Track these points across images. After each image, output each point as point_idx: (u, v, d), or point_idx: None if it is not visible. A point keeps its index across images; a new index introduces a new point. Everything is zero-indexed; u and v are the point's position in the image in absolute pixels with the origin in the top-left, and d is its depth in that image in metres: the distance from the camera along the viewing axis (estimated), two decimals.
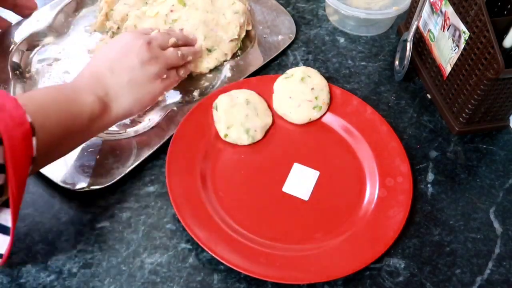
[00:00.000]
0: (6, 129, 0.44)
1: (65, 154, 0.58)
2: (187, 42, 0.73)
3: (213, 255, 0.58)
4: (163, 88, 0.67)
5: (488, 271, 0.61)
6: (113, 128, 0.69)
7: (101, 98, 0.59)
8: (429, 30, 0.75)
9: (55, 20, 0.79)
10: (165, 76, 0.66)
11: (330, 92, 0.73)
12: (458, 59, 0.69)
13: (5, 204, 0.48)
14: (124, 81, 0.61)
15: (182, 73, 0.71)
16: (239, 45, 0.79)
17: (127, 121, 0.71)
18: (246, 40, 0.81)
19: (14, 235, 0.50)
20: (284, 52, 0.81)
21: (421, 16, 0.74)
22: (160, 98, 0.70)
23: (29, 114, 0.47)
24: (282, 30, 0.82)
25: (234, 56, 0.79)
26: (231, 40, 0.77)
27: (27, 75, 0.74)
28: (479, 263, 0.62)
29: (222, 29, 0.76)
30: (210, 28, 0.76)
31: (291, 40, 0.81)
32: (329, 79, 0.75)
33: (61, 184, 0.62)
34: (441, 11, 0.71)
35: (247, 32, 0.80)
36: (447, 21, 0.70)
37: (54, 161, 0.57)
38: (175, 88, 0.74)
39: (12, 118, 0.45)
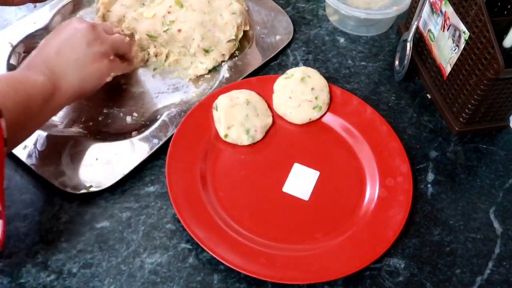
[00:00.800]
0: None
1: (27, 137, 0.60)
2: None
3: (213, 255, 0.58)
4: (110, 68, 0.68)
5: (488, 271, 0.61)
6: (113, 128, 0.68)
7: (50, 78, 0.60)
8: (429, 30, 0.75)
9: (52, 21, 0.79)
10: (112, 57, 0.68)
11: (330, 92, 0.73)
12: (458, 59, 0.69)
13: None
14: (70, 60, 0.63)
15: (126, 64, 0.73)
16: (236, 45, 0.79)
17: (127, 121, 0.71)
18: (243, 41, 0.81)
19: (5, 219, 0.52)
20: (284, 52, 0.81)
21: (421, 16, 0.74)
22: (108, 79, 0.68)
23: None
24: (280, 30, 0.82)
25: (232, 56, 0.79)
26: (229, 41, 0.77)
27: None
28: (479, 263, 0.62)
29: (219, 30, 0.76)
30: (207, 29, 0.76)
31: (288, 40, 0.81)
32: (329, 79, 0.75)
33: (61, 188, 0.62)
34: (441, 11, 0.71)
35: (245, 32, 0.80)
36: (447, 21, 0.70)
37: (18, 144, 0.60)
38: (174, 90, 0.75)
39: None
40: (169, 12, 0.75)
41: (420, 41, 0.78)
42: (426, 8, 0.74)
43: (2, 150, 0.50)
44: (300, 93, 0.71)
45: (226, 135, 0.68)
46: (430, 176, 0.69)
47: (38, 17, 0.79)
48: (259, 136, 0.69)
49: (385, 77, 0.79)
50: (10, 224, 0.61)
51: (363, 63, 0.81)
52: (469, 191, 0.68)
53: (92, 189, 0.62)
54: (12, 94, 0.54)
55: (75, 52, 0.63)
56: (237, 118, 0.68)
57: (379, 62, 0.81)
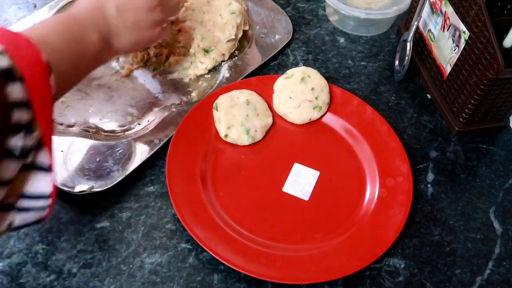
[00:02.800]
0: (27, 67, 0.44)
1: (67, 92, 0.57)
2: None
3: (213, 255, 0.58)
4: (160, 36, 0.67)
5: (488, 271, 0.61)
6: (114, 128, 0.68)
7: (104, 36, 0.58)
8: (429, 30, 0.75)
9: None
10: (165, 25, 0.67)
11: (330, 92, 0.73)
12: (458, 59, 0.69)
13: (38, 147, 0.48)
14: (128, 22, 0.61)
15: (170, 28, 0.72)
16: (236, 45, 0.79)
17: (127, 121, 0.71)
18: (243, 40, 0.81)
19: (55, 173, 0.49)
20: (284, 52, 0.81)
21: (421, 16, 0.74)
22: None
23: (44, 53, 0.46)
24: (279, 29, 0.82)
25: (231, 56, 0.79)
26: (229, 41, 0.77)
27: None
28: (479, 263, 0.62)
29: (219, 30, 0.76)
30: (207, 29, 0.76)
31: (288, 40, 0.81)
32: (329, 79, 0.75)
33: (62, 188, 0.62)
34: (441, 11, 0.71)
35: (244, 32, 0.80)
36: (447, 21, 0.70)
37: (59, 99, 0.56)
38: (174, 90, 0.74)
39: (29, 56, 0.45)
40: None
41: (420, 41, 0.78)
42: (426, 8, 0.74)
43: (52, 107, 0.47)
44: (300, 93, 0.71)
45: (226, 135, 0.68)
46: (430, 176, 0.69)
47: (38, 17, 0.79)
48: (259, 136, 0.69)
49: (385, 77, 0.79)
50: None
51: (363, 63, 0.81)
52: (469, 191, 0.68)
53: (93, 190, 0.62)
54: (67, 53, 0.52)
55: (135, 14, 0.62)
56: (237, 118, 0.68)
57: (379, 62, 0.81)
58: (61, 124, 0.70)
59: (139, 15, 0.62)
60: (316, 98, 0.71)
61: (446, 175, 0.69)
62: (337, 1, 0.80)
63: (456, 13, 0.67)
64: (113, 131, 0.70)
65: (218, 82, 0.75)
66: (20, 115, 0.42)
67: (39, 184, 0.46)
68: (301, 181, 0.66)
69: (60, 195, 0.63)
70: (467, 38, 0.66)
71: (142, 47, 0.68)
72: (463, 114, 0.70)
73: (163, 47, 0.77)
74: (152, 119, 0.71)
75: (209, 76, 0.77)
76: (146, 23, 0.63)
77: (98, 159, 0.65)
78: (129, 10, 0.61)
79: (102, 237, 0.61)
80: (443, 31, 0.71)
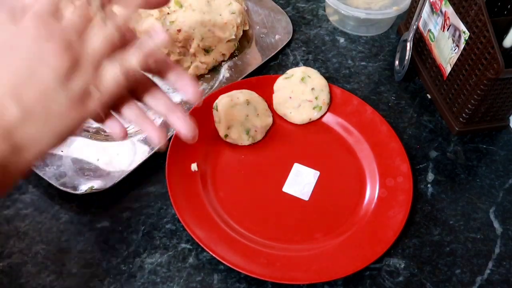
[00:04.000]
0: None
1: None
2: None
3: (213, 255, 0.58)
4: (98, 108, 0.42)
5: (488, 271, 0.61)
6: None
7: (6, 140, 0.38)
8: (429, 30, 0.75)
9: None
10: (97, 93, 0.41)
11: (330, 92, 0.73)
12: (458, 59, 0.69)
13: None
14: (36, 112, 0.39)
15: (134, 60, 0.42)
16: (236, 45, 0.79)
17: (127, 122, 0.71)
18: (243, 40, 0.81)
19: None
20: (284, 52, 0.81)
21: (421, 16, 0.74)
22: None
23: None
24: (279, 29, 0.82)
25: (231, 56, 0.79)
26: (229, 41, 0.77)
27: None
28: (479, 263, 0.62)
29: (219, 30, 0.76)
30: (207, 29, 0.76)
31: (288, 40, 0.81)
32: (329, 79, 0.75)
33: (62, 188, 0.62)
34: (441, 11, 0.71)
35: (244, 32, 0.80)
36: (447, 21, 0.70)
37: None
38: (174, 89, 0.74)
39: None
40: (168, 13, 0.75)
41: (420, 41, 0.78)
42: (426, 8, 0.74)
43: None
44: (300, 93, 0.71)
45: (226, 135, 0.68)
46: (430, 176, 0.69)
47: None
48: (259, 136, 0.69)
49: (385, 77, 0.79)
50: (10, 224, 0.61)
51: (363, 63, 0.81)
52: (469, 191, 0.68)
53: (93, 190, 0.62)
54: None
55: (42, 97, 0.39)
56: (237, 118, 0.68)
57: (379, 62, 0.81)
58: None
59: (49, 96, 0.39)
60: (316, 98, 0.71)
61: (446, 175, 0.69)
62: (337, 1, 0.80)
63: (456, 13, 0.67)
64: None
65: (218, 82, 0.75)
66: None
67: None
68: (301, 181, 0.66)
69: (60, 195, 0.63)
70: (467, 38, 0.66)
71: (72, 135, 0.42)
72: (463, 114, 0.70)
73: (163, 47, 0.77)
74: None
75: (209, 76, 0.77)
76: (65, 105, 0.40)
77: (98, 159, 0.65)
78: (31, 94, 0.38)
79: (102, 237, 0.61)
80: (443, 31, 0.71)
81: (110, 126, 0.47)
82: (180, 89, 0.47)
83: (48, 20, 0.39)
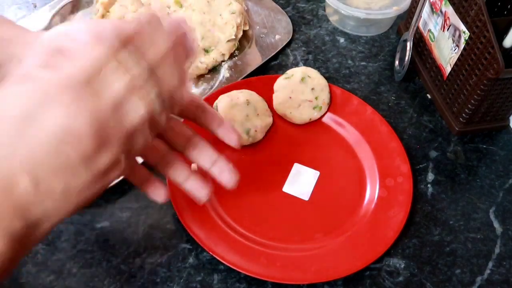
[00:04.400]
0: None
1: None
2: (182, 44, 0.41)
3: (213, 255, 0.58)
4: (120, 175, 0.38)
5: (488, 271, 0.61)
6: None
7: (19, 216, 0.33)
8: (429, 30, 0.75)
9: (51, 22, 0.79)
10: (122, 160, 0.37)
11: (330, 92, 0.73)
12: (458, 59, 0.69)
13: None
14: (55, 192, 0.34)
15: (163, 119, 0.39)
16: (236, 45, 0.79)
17: None
18: (243, 40, 0.81)
19: None
20: (284, 52, 0.81)
21: (421, 16, 0.74)
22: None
23: None
24: (279, 29, 0.82)
25: (231, 56, 0.79)
26: (229, 41, 0.77)
27: None
28: (479, 263, 0.62)
29: (219, 30, 0.76)
30: (207, 29, 0.76)
31: (288, 40, 0.81)
32: (329, 79, 0.75)
33: None
34: (441, 11, 0.71)
35: (244, 32, 0.80)
36: (447, 21, 0.70)
37: None
38: None
39: None
40: (168, 13, 0.75)
41: (420, 41, 0.78)
42: (426, 8, 0.74)
43: None
44: (300, 93, 0.71)
45: None
46: (430, 176, 0.69)
47: (38, 17, 0.79)
48: (259, 136, 0.69)
49: (385, 77, 0.79)
50: None
51: (363, 63, 0.81)
52: (469, 191, 0.68)
53: None
54: None
55: (64, 177, 0.34)
56: (237, 118, 0.68)
57: (379, 62, 0.81)
58: None
59: (72, 175, 0.34)
60: (316, 98, 0.71)
61: (446, 175, 0.69)
62: (337, 1, 0.80)
63: (456, 13, 0.67)
64: None
65: (218, 82, 0.75)
66: None
67: None
68: (301, 181, 0.66)
69: None
70: (467, 38, 0.66)
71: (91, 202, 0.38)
72: (463, 114, 0.70)
73: None
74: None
75: (209, 76, 0.77)
76: (87, 181, 0.35)
77: None
78: (51, 174, 0.33)
79: (102, 237, 0.61)
80: (443, 31, 0.71)
81: (152, 192, 0.49)
82: (222, 136, 0.51)
83: (85, 89, 0.34)
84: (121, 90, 0.35)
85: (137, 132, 0.37)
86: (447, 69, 0.72)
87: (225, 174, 0.49)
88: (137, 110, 0.36)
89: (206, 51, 0.76)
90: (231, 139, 0.50)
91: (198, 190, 0.49)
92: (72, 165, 0.34)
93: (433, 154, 0.71)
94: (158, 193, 0.48)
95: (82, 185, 0.35)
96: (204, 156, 0.49)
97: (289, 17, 0.84)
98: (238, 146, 0.51)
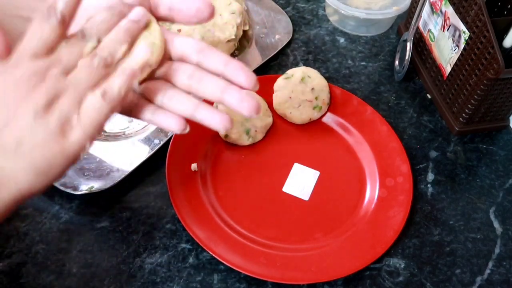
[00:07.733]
0: None
1: None
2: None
3: (213, 255, 0.58)
4: (85, 136, 0.38)
5: (488, 271, 0.61)
6: (113, 129, 0.69)
7: None
8: (429, 30, 0.75)
9: None
10: (78, 126, 0.38)
11: (330, 92, 0.73)
12: (458, 59, 0.69)
13: None
14: (10, 148, 0.36)
15: (116, 87, 0.39)
16: (236, 45, 0.79)
17: (128, 121, 0.71)
18: (243, 40, 0.81)
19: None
20: (284, 52, 0.81)
21: (421, 16, 0.74)
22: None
23: None
24: (279, 29, 0.82)
25: (231, 56, 0.79)
26: (229, 41, 0.77)
27: None
28: (479, 263, 0.62)
29: (219, 30, 0.76)
30: (207, 29, 0.76)
31: (288, 40, 0.81)
32: (329, 79, 0.75)
33: (62, 188, 0.62)
34: (441, 11, 0.71)
35: (244, 32, 0.80)
36: (447, 21, 0.70)
37: None
38: None
39: None
40: None
41: (420, 41, 0.78)
42: (426, 8, 0.74)
43: None
44: (300, 93, 0.71)
45: (226, 135, 0.68)
46: (430, 176, 0.69)
47: None
48: (259, 136, 0.69)
49: (385, 77, 0.79)
50: (10, 224, 0.61)
51: (363, 63, 0.81)
52: (469, 191, 0.68)
53: (93, 190, 0.62)
54: None
55: (12, 131, 0.36)
56: (237, 118, 0.68)
57: (379, 62, 0.81)
58: None
59: (21, 129, 0.36)
60: (316, 98, 0.71)
61: (446, 175, 0.69)
62: (337, 1, 0.80)
63: (456, 13, 0.67)
64: (113, 131, 0.70)
65: None
66: None
67: None
68: (301, 181, 0.66)
69: (60, 195, 0.63)
70: (467, 38, 0.66)
71: (63, 172, 0.38)
72: (463, 114, 0.70)
73: None
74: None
75: None
76: (41, 136, 0.36)
77: (98, 159, 0.65)
78: (3, 128, 0.36)
79: (102, 237, 0.61)
80: (443, 31, 0.71)
81: (163, 122, 0.43)
82: (231, 77, 0.42)
83: (34, 62, 0.37)
84: (65, 56, 0.38)
85: (87, 93, 0.38)
86: (447, 69, 0.72)
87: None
88: (81, 71, 0.38)
89: None
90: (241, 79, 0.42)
91: (213, 118, 0.43)
92: (20, 123, 0.36)
93: (433, 154, 0.71)
94: (172, 121, 0.44)
95: (36, 142, 0.36)
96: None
97: (289, 17, 0.84)
98: (252, 84, 0.42)
